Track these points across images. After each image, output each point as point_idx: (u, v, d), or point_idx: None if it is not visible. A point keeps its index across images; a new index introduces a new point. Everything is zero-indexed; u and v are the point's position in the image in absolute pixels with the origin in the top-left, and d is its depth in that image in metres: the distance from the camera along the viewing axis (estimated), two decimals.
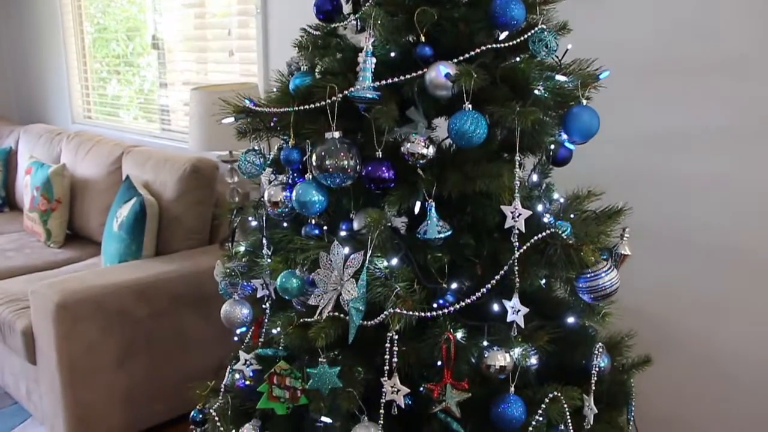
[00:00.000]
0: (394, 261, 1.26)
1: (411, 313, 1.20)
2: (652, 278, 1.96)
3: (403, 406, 1.25)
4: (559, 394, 1.31)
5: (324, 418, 1.36)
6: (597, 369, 1.46)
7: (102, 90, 4.21)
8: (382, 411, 1.26)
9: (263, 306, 1.50)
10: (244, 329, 1.68)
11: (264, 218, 1.49)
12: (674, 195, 1.89)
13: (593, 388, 1.43)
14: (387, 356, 1.24)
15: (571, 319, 1.42)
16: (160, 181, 2.86)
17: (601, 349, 1.43)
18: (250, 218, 1.54)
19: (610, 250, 1.49)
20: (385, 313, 1.20)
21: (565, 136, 1.39)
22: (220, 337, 2.69)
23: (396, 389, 1.24)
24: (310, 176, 1.30)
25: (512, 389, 1.28)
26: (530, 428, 1.29)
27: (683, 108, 1.83)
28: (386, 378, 1.25)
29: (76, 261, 3.19)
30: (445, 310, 1.23)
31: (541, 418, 1.33)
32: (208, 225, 2.88)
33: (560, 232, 1.29)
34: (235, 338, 1.67)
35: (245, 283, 1.54)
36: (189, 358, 2.67)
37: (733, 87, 1.74)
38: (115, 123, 4.12)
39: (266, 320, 1.48)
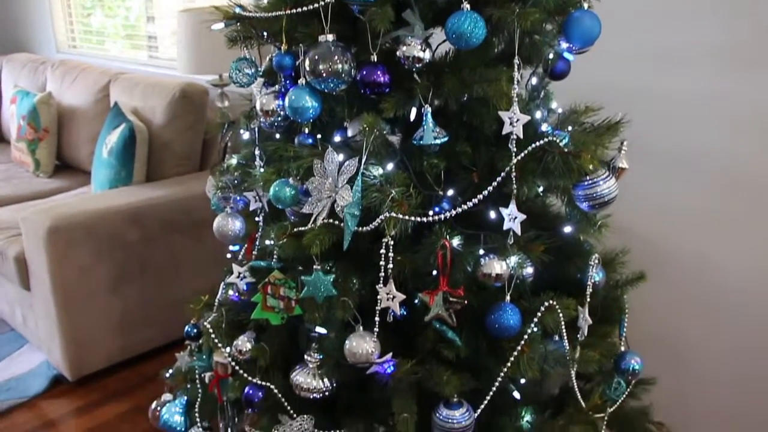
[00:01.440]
0: (390, 167, 1.24)
1: (407, 217, 1.18)
2: (648, 196, 1.95)
3: (398, 314, 1.25)
4: (555, 303, 1.31)
5: (319, 329, 1.36)
6: (592, 282, 1.46)
7: (86, 19, 4.10)
8: (377, 318, 1.26)
9: (256, 219, 1.48)
10: (237, 248, 1.67)
11: (257, 130, 1.46)
12: (673, 113, 1.86)
13: (588, 299, 1.43)
14: (382, 262, 1.23)
15: (567, 229, 1.41)
16: (149, 106, 2.81)
17: (596, 261, 1.43)
18: (242, 131, 1.51)
19: (608, 163, 1.47)
20: (380, 217, 1.19)
21: (564, 46, 1.36)
22: (213, 262, 2.69)
23: (391, 296, 1.24)
24: (304, 81, 1.27)
25: (508, 298, 1.28)
26: (525, 337, 1.29)
27: (686, 24, 1.79)
28: (381, 285, 1.24)
29: (66, 190, 3.16)
30: (442, 216, 1.22)
31: (536, 329, 1.34)
32: (199, 151, 2.84)
33: (558, 141, 1.27)
34: (228, 255, 1.66)
35: (238, 197, 1.52)
36: (182, 283, 2.67)
37: (739, 7, 1.69)
38: (101, 52, 4.03)
39: (259, 233, 1.47)
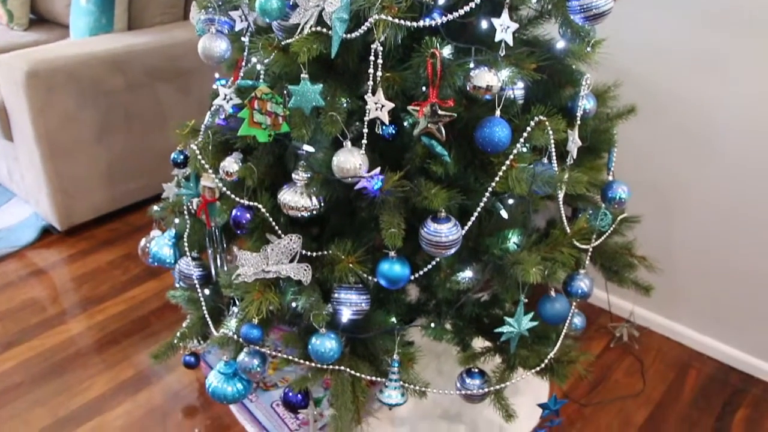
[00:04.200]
0: None
1: (396, 20, 1.15)
2: (644, 34, 1.90)
3: (386, 122, 1.23)
4: (544, 119, 1.29)
5: (306, 147, 1.34)
6: (582, 109, 1.45)
7: None
8: (365, 129, 1.25)
9: (242, 39, 1.44)
10: (223, 82, 1.63)
11: None
12: None
13: (578, 122, 1.42)
14: (371, 70, 1.20)
15: (560, 45, 1.38)
16: None
17: (587, 83, 1.40)
18: None
19: None
20: (369, 20, 1.15)
21: None
22: (200, 114, 2.64)
23: (380, 105, 1.22)
24: None
25: (498, 113, 1.26)
26: (514, 152, 1.28)
27: None
28: (370, 94, 1.22)
29: (43, 43, 3.04)
30: (432, 23, 1.18)
31: (525, 148, 1.33)
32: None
33: None
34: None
35: (223, 19, 1.46)
36: (168, 135, 2.64)
37: None
38: None
39: (245, 53, 1.43)
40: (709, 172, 1.93)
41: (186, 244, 1.64)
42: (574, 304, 1.53)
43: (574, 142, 1.41)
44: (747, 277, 1.96)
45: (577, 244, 1.47)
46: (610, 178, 1.62)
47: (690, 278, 2.08)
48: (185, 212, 1.63)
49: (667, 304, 2.16)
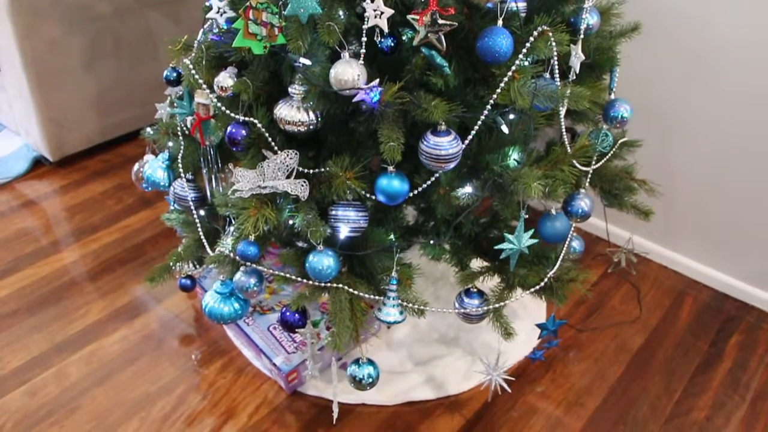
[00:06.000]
0: None
1: None
2: None
3: (386, 31, 1.19)
4: (547, 29, 1.25)
5: (303, 60, 1.30)
6: (585, 24, 1.41)
7: None
8: (364, 38, 1.21)
9: None
10: None
11: None
12: None
13: (582, 36, 1.38)
14: None
15: None
16: None
17: None
18: None
19: None
20: None
21: None
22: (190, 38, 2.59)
23: (379, 12, 1.18)
24: None
25: (500, 22, 1.22)
26: (516, 62, 1.25)
27: None
28: (369, 1, 1.18)
29: None
30: None
31: (527, 62, 1.29)
32: None
33: None
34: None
35: None
36: (159, 64, 2.59)
37: None
38: None
39: None
40: (711, 97, 1.90)
41: (180, 165, 1.61)
42: (574, 224, 1.52)
43: (577, 57, 1.37)
44: (743, 206, 1.95)
45: (578, 165, 1.45)
46: (612, 97, 1.59)
47: (687, 206, 2.07)
48: (179, 133, 1.60)
49: (664, 232, 2.16)
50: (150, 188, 1.70)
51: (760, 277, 2.01)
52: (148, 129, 1.72)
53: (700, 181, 2.02)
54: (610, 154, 1.58)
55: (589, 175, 1.53)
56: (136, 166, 1.83)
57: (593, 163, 1.53)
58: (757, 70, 1.79)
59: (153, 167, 1.68)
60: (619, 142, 1.64)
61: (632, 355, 1.85)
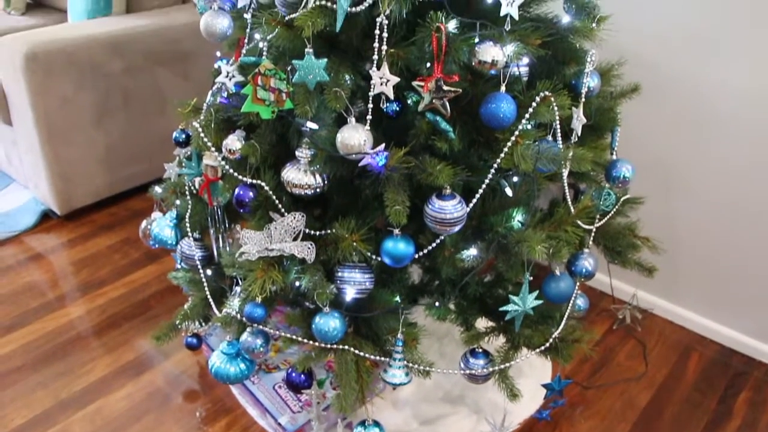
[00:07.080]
0: None
1: None
2: (646, 17, 1.89)
3: (391, 97, 1.22)
4: (550, 95, 1.28)
5: (310, 124, 1.33)
6: (587, 88, 1.44)
7: None
8: (370, 105, 1.24)
9: (244, 16, 1.42)
10: (224, 61, 1.61)
11: None
12: None
13: (583, 99, 1.41)
14: (376, 44, 1.19)
15: (565, 19, 1.37)
16: None
17: (593, 59, 1.39)
18: None
19: None
20: None
21: None
22: (199, 99, 2.63)
23: (385, 80, 1.20)
24: None
25: (503, 88, 1.25)
26: (519, 127, 1.27)
27: None
28: (375, 68, 1.20)
29: (41, 27, 3.03)
30: None
31: (529, 125, 1.32)
32: None
33: None
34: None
35: None
36: (167, 120, 2.63)
37: None
38: None
39: (248, 29, 1.41)
40: (712, 154, 1.92)
41: (188, 224, 1.63)
42: (578, 283, 1.52)
43: (579, 120, 1.40)
44: (748, 261, 1.96)
45: (581, 224, 1.47)
46: (614, 157, 1.61)
47: (692, 261, 2.08)
48: (187, 193, 1.62)
49: (669, 287, 2.16)
50: (157, 246, 1.72)
51: (767, 332, 2.00)
52: (157, 188, 1.75)
53: (704, 237, 2.03)
54: (612, 212, 1.60)
55: (593, 234, 1.54)
56: (143, 224, 1.85)
57: (596, 221, 1.54)
58: (756, 128, 1.81)
59: (161, 225, 1.69)
60: (622, 199, 1.65)
61: (639, 413, 1.84)
